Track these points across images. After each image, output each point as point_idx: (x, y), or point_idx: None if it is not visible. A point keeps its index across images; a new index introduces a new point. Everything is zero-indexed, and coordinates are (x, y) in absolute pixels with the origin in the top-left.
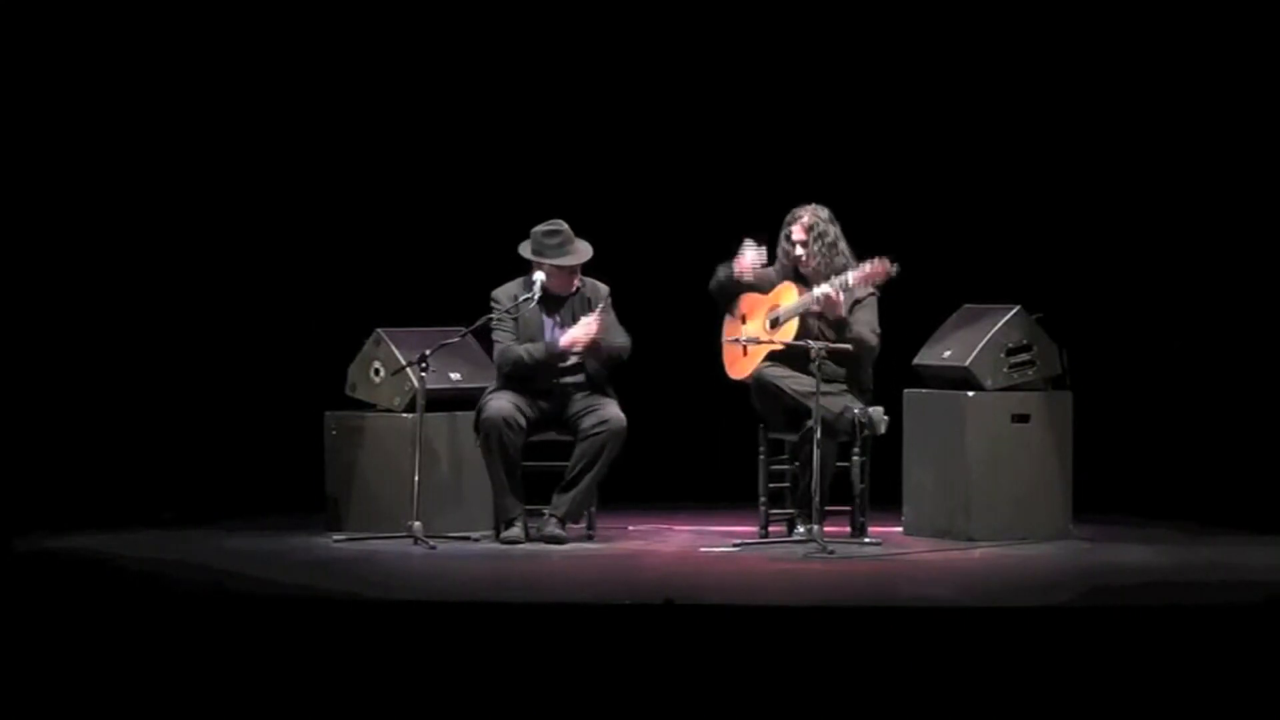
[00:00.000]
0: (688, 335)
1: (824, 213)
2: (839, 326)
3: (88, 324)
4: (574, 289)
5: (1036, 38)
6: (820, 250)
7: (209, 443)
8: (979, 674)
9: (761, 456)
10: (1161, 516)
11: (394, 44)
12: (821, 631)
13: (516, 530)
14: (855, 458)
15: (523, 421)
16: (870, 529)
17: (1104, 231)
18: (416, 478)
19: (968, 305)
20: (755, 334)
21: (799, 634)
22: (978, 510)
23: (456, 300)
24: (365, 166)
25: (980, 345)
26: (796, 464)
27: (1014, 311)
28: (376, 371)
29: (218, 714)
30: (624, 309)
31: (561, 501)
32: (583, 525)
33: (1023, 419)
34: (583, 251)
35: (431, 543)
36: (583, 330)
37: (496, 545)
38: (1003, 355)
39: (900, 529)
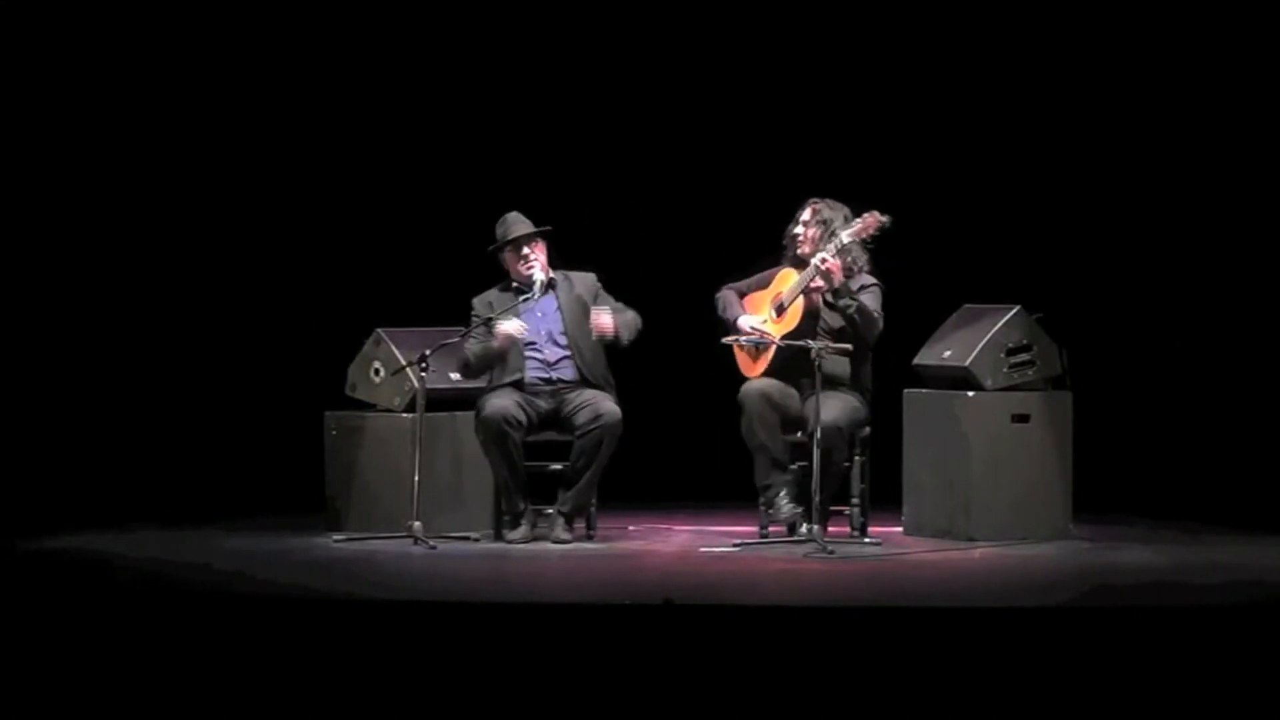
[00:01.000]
0: (688, 335)
1: (840, 208)
2: (841, 295)
3: (88, 324)
4: (529, 267)
5: (1037, 37)
6: (822, 235)
7: (209, 443)
8: (979, 674)
9: None
10: (1161, 516)
11: (395, 45)
12: (821, 631)
13: (523, 529)
14: (856, 457)
15: (523, 419)
16: (870, 529)
17: (1104, 232)
18: (416, 478)
19: (968, 305)
20: (758, 325)
21: (799, 634)
22: (978, 510)
23: (456, 301)
24: (365, 167)
25: (980, 345)
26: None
27: (1014, 311)
28: (376, 371)
29: (218, 714)
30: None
31: (566, 499)
32: (582, 525)
33: (1023, 419)
34: (528, 224)
35: (431, 543)
36: (601, 329)
37: (496, 545)
38: (1003, 355)
39: (900, 529)
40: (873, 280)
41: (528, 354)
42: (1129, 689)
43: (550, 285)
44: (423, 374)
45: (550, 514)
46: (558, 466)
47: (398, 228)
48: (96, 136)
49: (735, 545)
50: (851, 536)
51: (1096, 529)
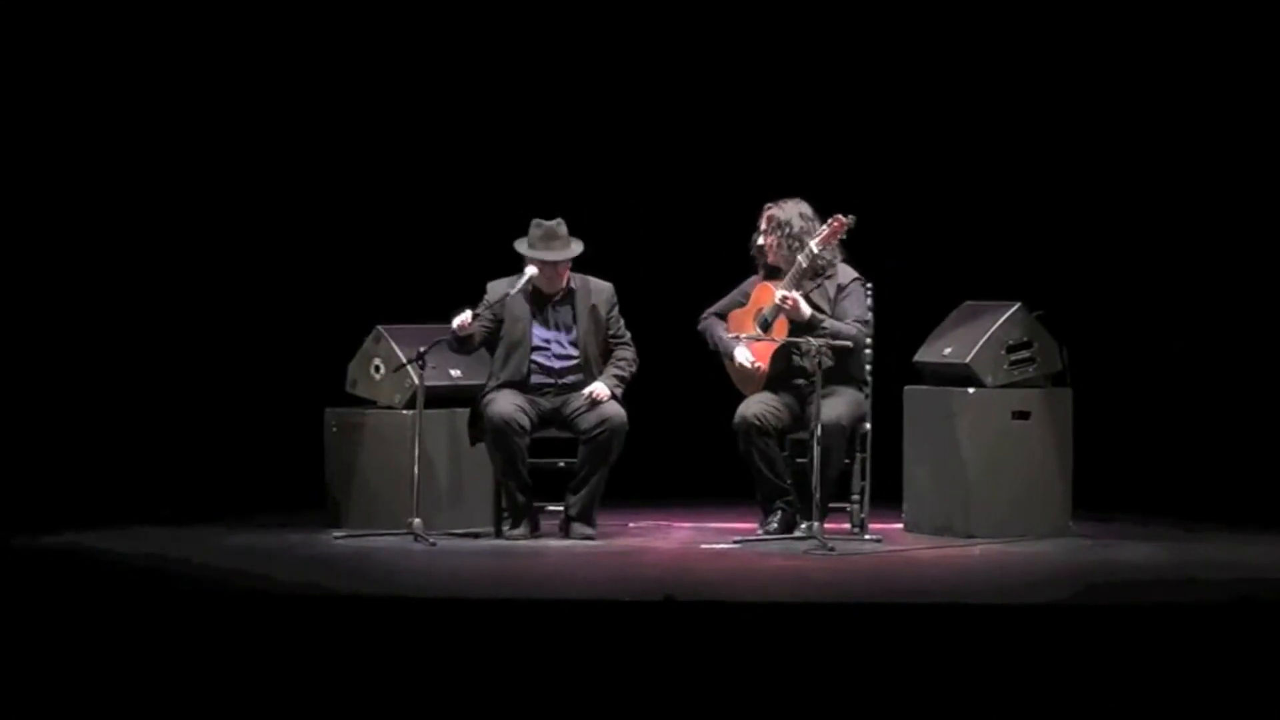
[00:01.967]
0: (687, 334)
1: (793, 206)
2: (808, 328)
3: (88, 322)
4: (561, 287)
5: (1037, 36)
6: (782, 241)
7: (209, 440)
8: (979, 671)
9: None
10: (1161, 514)
11: (395, 42)
12: (822, 628)
13: (524, 529)
14: (856, 454)
15: (524, 422)
16: (870, 526)
17: (1104, 229)
18: (416, 474)
19: (968, 302)
20: (750, 358)
21: (799, 630)
22: (977, 507)
23: (456, 297)
24: (365, 164)
25: (981, 342)
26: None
27: (1014, 308)
28: (377, 368)
29: (218, 712)
30: (624, 308)
31: (574, 502)
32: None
33: (1023, 416)
34: (570, 249)
35: (432, 539)
36: (596, 397)
37: (497, 542)
38: (1003, 352)
39: (901, 525)
40: (853, 276)
41: (535, 356)
42: (1128, 686)
43: (569, 293)
44: (423, 371)
45: (551, 511)
46: (563, 464)
47: (398, 225)
48: (98, 136)
49: (735, 542)
50: (852, 533)
51: (1096, 526)
